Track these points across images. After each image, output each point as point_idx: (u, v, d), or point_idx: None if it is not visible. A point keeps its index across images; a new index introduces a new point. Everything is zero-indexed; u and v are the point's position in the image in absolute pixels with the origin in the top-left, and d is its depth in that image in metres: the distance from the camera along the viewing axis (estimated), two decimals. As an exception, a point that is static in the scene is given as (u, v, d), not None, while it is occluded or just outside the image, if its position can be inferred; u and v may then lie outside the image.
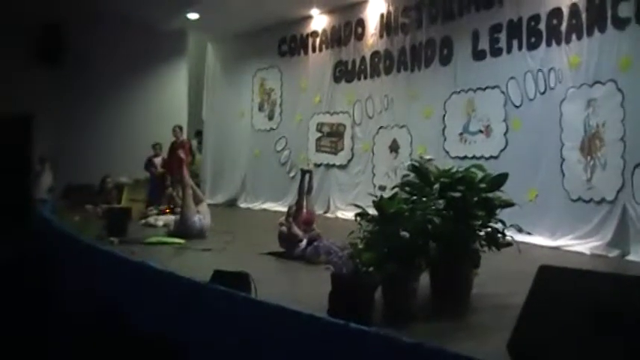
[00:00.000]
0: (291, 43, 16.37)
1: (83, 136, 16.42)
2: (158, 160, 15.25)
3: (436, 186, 6.02)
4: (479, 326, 5.55)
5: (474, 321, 5.76)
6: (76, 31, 16.01)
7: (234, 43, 17.70)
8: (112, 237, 10.14)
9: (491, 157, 11.65)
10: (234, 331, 4.95)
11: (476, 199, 6.19)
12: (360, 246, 5.53)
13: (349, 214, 13.92)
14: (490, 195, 6.25)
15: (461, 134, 12.35)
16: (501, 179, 6.29)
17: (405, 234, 5.33)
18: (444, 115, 12.67)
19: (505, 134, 11.58)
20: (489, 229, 6.28)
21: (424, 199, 5.98)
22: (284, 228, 8.97)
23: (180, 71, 18.17)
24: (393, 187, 6.53)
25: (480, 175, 6.36)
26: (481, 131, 12.03)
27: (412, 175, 6.53)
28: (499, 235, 6.27)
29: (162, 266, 7.96)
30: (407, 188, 6.33)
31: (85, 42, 16.07)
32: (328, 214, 14.64)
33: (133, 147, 16.07)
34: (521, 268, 7.56)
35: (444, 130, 12.66)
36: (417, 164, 6.50)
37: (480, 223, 6.18)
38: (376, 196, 6.01)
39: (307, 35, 15.97)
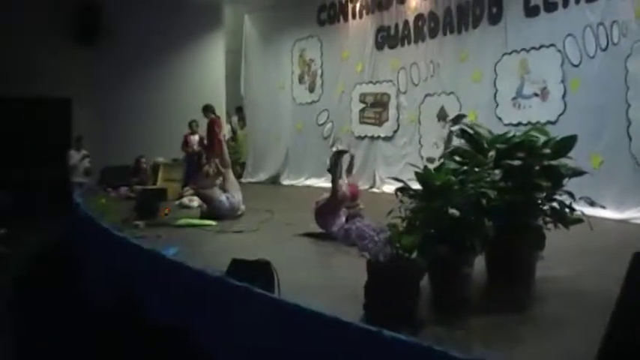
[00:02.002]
0: (331, 10, 15.34)
1: (119, 116, 15.82)
2: (195, 138, 14.48)
3: (491, 153, 4.97)
4: (548, 319, 4.53)
5: (542, 312, 4.74)
6: (110, 9, 15.44)
7: (272, 14, 16.73)
8: (140, 220, 9.37)
9: (549, 122, 10.46)
10: (248, 331, 4.11)
11: (538, 167, 5.14)
12: (401, 227, 4.54)
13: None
14: (555, 162, 5.19)
15: (514, 99, 11.25)
16: (569, 143, 5.22)
17: (455, 211, 4.33)
18: (495, 79, 11.58)
19: (563, 97, 10.44)
20: (555, 203, 5.23)
21: (476, 169, 4.94)
22: (321, 200, 8.04)
23: (216, 45, 17.31)
24: (440, 157, 5.47)
25: (543, 139, 5.30)
26: (536, 94, 10.91)
27: (461, 141, 5.49)
28: (567, 210, 5.21)
29: (186, 250, 7.24)
30: (456, 157, 5.30)
31: (118, 20, 15.56)
32: (374, 189, 13.78)
33: (171, 125, 15.40)
34: (588, 246, 6.59)
35: (495, 94, 11.57)
36: (467, 128, 5.46)
37: (543, 195, 5.13)
38: (420, 168, 5.01)
39: (347, 1, 14.90)
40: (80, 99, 15.43)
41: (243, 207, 10.23)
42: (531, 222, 5.12)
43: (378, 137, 14.15)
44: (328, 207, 7.97)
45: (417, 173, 4.72)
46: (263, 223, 9.20)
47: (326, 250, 7.26)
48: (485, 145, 5.36)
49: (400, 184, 5.09)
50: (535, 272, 5.35)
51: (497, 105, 11.51)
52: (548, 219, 5.27)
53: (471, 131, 5.42)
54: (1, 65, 14.14)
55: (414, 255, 4.43)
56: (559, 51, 10.44)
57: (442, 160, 5.30)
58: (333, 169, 8.31)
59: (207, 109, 14.22)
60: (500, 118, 11.33)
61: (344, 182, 8.47)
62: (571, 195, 5.30)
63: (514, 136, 5.34)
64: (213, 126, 13.86)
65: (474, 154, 5.12)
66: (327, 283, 5.61)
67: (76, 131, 15.08)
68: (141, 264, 5.88)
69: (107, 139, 15.30)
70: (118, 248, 6.69)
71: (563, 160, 5.27)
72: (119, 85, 15.83)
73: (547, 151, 5.12)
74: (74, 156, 14.37)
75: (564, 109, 10.41)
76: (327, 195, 8.15)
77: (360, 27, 14.57)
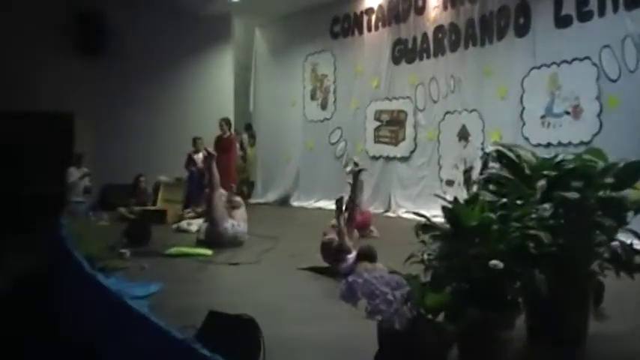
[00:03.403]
0: (344, 22, 14.26)
1: (122, 132, 14.82)
2: (199, 157, 13.38)
3: (541, 183, 3.80)
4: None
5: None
6: (115, 21, 14.50)
7: (283, 26, 15.75)
8: (127, 247, 8.28)
9: (582, 142, 9.37)
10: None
11: (595, 200, 3.97)
12: (423, 279, 3.38)
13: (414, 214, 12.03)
14: (616, 194, 4.01)
15: (543, 117, 10.11)
16: (636, 170, 4.03)
17: (498, 263, 3.17)
18: (522, 95, 10.43)
19: (599, 115, 9.28)
20: (616, 244, 4.06)
21: (519, 201, 3.77)
22: (328, 238, 6.94)
23: (225, 59, 16.25)
24: (469, 182, 4.28)
25: (601, 164, 4.12)
26: (568, 112, 9.76)
27: (497, 166, 4.33)
28: (632, 254, 4.04)
29: (169, 287, 6.14)
30: (491, 186, 4.13)
31: (124, 33, 14.60)
32: (389, 213, 12.67)
33: (175, 142, 14.34)
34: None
35: (522, 112, 10.43)
36: (505, 150, 4.29)
37: (603, 237, 3.96)
38: (444, 198, 3.86)
39: (362, 13, 13.84)
40: (83, 114, 14.46)
41: (247, 237, 9.13)
42: (588, 270, 3.95)
43: (394, 157, 13.03)
44: (335, 240, 6.88)
45: (444, 209, 3.56)
46: (264, 254, 8.07)
47: (330, 292, 6.08)
48: (527, 172, 4.20)
49: (421, 217, 3.96)
50: (588, 330, 4.18)
51: (524, 124, 10.39)
52: (606, 264, 4.09)
53: (510, 154, 4.25)
54: (1, 78, 13.27)
55: (441, 318, 3.27)
56: (594, 64, 9.31)
57: (474, 190, 4.13)
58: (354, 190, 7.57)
59: (228, 123, 13.38)
60: (527, 139, 10.20)
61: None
62: (636, 234, 4.13)
63: (564, 160, 4.17)
64: (227, 142, 12.96)
65: (516, 184, 3.95)
66: (326, 339, 4.46)
67: (77, 147, 14.08)
68: (102, 311, 4.76)
69: (109, 155, 14.36)
70: (82, 286, 5.59)
71: (625, 191, 4.09)
72: (123, 100, 14.83)
73: (609, 180, 3.95)
74: (74, 173, 13.30)
75: (600, 129, 9.27)
76: (335, 228, 7.07)
77: (375, 40, 13.49)
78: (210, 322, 3.89)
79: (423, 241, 3.73)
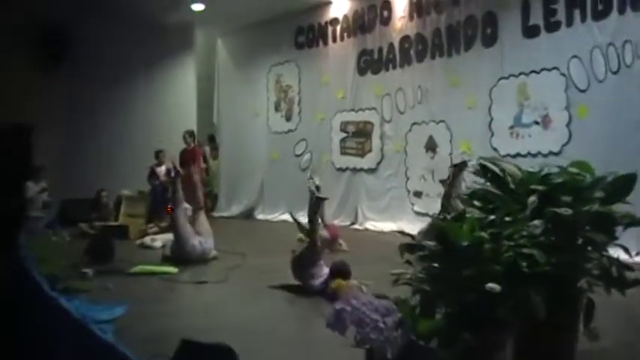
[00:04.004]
0: (309, 33, 14.08)
1: (83, 145, 14.33)
2: (162, 170, 13.03)
3: (532, 199, 3.62)
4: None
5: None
6: (75, 29, 14.03)
7: (246, 36, 15.48)
8: (90, 266, 7.92)
9: (551, 153, 9.36)
10: None
11: (584, 215, 3.80)
12: (412, 302, 3.17)
13: (381, 225, 11.93)
14: (606, 209, 3.85)
15: (512, 127, 10.08)
16: (626, 183, 3.89)
17: (495, 286, 2.98)
18: (490, 106, 10.39)
19: (568, 125, 9.30)
20: (605, 260, 3.90)
21: (507, 218, 3.59)
22: (296, 255, 6.71)
23: (187, 69, 15.91)
24: (453, 197, 4.08)
25: (588, 178, 3.97)
26: (537, 122, 9.76)
27: (481, 180, 4.15)
28: (622, 270, 3.89)
29: (135, 309, 5.84)
30: (476, 202, 3.94)
31: (83, 42, 14.10)
32: (356, 226, 12.48)
33: (138, 155, 13.96)
34: (625, 305, 5.28)
35: (490, 123, 10.38)
36: (489, 163, 4.12)
37: (595, 252, 3.80)
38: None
39: (326, 23, 13.66)
40: (41, 125, 13.84)
41: (214, 252, 8.87)
42: (578, 287, 3.78)
43: (361, 169, 12.85)
44: (306, 258, 6.65)
45: (434, 226, 3.37)
46: (232, 271, 7.78)
47: (304, 313, 5.86)
48: (512, 186, 4.03)
49: (398, 230, 3.78)
50: (576, 349, 4.01)
51: (492, 134, 10.34)
52: (595, 281, 3.93)
53: (494, 167, 4.08)
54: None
55: (433, 343, 3.06)
56: (563, 74, 9.32)
57: (457, 205, 3.94)
58: (312, 217, 7.02)
59: (192, 135, 13.14)
60: (496, 149, 10.16)
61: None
62: (625, 249, 3.99)
63: (551, 174, 4.00)
64: (191, 155, 12.67)
65: (504, 200, 3.77)
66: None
67: (35, 160, 13.56)
68: (65, 338, 4.45)
69: (69, 169, 13.79)
70: (44, 309, 5.25)
71: (615, 205, 3.95)
72: (84, 112, 14.35)
73: (599, 194, 3.79)
74: (32, 188, 12.78)
75: (569, 139, 9.28)
76: (303, 244, 6.84)
77: (340, 51, 13.33)
78: (183, 352, 3.63)
79: (408, 262, 3.52)
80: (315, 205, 7.10)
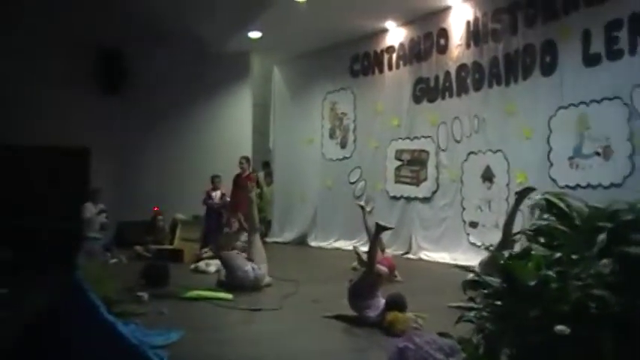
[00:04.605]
0: (364, 61, 14.11)
1: (139, 168, 14.81)
2: (217, 194, 13.18)
3: (601, 237, 3.47)
4: None
5: None
6: (134, 56, 14.46)
7: (302, 64, 15.63)
8: (145, 289, 8.00)
9: (613, 185, 9.06)
10: None
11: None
12: (475, 340, 3.06)
13: (435, 256, 11.78)
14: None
15: (571, 158, 9.76)
16: None
17: (564, 328, 2.86)
18: (549, 136, 10.11)
19: (631, 156, 8.93)
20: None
21: (574, 256, 3.45)
22: (353, 284, 6.63)
23: (243, 96, 16.10)
24: (516, 234, 3.95)
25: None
26: (598, 153, 9.40)
27: (546, 215, 4.00)
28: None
29: (190, 336, 5.81)
30: (541, 239, 3.80)
31: (142, 68, 14.58)
32: (410, 255, 12.33)
33: (193, 180, 14.11)
34: None
35: (549, 153, 10.10)
36: (554, 198, 3.97)
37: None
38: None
39: (382, 51, 13.67)
40: (100, 149, 14.32)
41: (268, 279, 8.85)
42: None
43: (415, 198, 12.74)
44: (364, 287, 6.57)
45: (499, 264, 3.24)
46: (286, 299, 7.76)
47: (360, 345, 5.76)
48: (578, 222, 3.87)
49: (457, 263, 3.65)
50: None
51: (551, 165, 10.06)
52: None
53: (560, 203, 3.93)
54: (19, 112, 13.32)
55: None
56: (625, 104, 9.00)
57: (518, 240, 3.81)
58: (373, 247, 6.92)
59: (248, 160, 13.13)
60: (554, 180, 9.89)
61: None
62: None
63: (620, 210, 3.83)
64: (246, 180, 12.59)
65: (571, 237, 3.62)
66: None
67: (93, 183, 13.85)
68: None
69: (126, 192, 14.27)
70: (100, 332, 5.26)
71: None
72: (141, 136, 14.83)
73: (673, 232, 3.61)
74: (90, 209, 12.96)
75: (632, 171, 8.92)
76: (359, 273, 6.77)
77: (396, 79, 13.31)
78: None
79: (471, 298, 3.40)
80: (377, 234, 7.01)
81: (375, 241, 6.98)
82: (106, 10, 13.91)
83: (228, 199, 12.90)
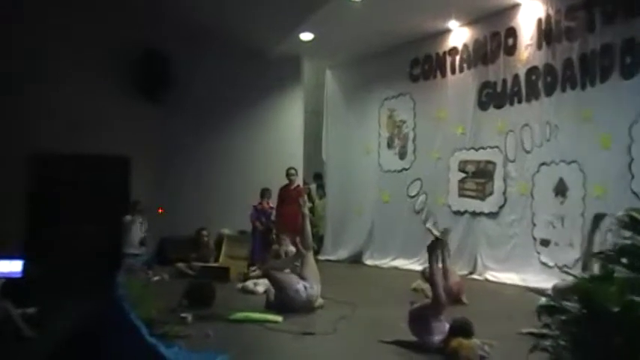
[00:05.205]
0: (425, 64, 14.07)
1: (183, 180, 14.92)
2: (266, 209, 13.30)
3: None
4: None
5: None
6: (178, 59, 14.62)
7: (357, 68, 15.70)
8: (189, 310, 8.07)
9: None
10: None
11: None
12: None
13: (502, 276, 11.65)
14: None
15: (656, 169, 9.52)
16: None
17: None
18: (630, 145, 9.84)
19: None
20: None
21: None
22: (416, 308, 6.57)
23: (294, 103, 16.18)
24: (596, 254, 3.85)
25: None
26: (689, 165, 9.17)
27: (629, 234, 3.89)
28: None
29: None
30: (625, 260, 3.69)
31: (187, 72, 14.76)
32: (475, 276, 12.19)
33: (241, 193, 14.39)
34: None
35: (630, 164, 9.83)
36: (637, 215, 3.87)
37: None
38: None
39: (445, 53, 13.61)
40: (140, 159, 14.52)
41: (321, 300, 8.82)
42: None
43: (481, 213, 12.58)
44: (427, 311, 6.56)
45: (575, 288, 3.16)
46: (341, 322, 7.75)
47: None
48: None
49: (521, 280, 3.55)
50: None
51: (632, 177, 9.79)
52: None
53: (644, 220, 3.82)
54: (55, 119, 13.55)
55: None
56: None
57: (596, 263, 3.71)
58: (433, 265, 6.90)
59: (296, 173, 13.34)
60: (636, 194, 9.62)
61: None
62: None
63: None
64: (294, 193, 12.77)
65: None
66: None
67: (133, 195, 14.08)
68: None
69: (168, 205, 14.30)
70: (142, 356, 5.32)
71: None
72: (184, 145, 14.98)
73: None
74: (130, 223, 13.16)
75: None
76: (420, 294, 6.71)
77: (460, 83, 13.21)
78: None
79: (546, 325, 3.32)
80: (433, 249, 6.98)
81: (433, 257, 6.92)
82: (150, 12, 14.17)
83: (273, 210, 13.14)
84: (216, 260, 12.42)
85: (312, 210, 15.66)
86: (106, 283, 10.24)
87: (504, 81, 12.17)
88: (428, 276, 7.57)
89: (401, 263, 13.79)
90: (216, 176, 15.10)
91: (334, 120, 16.39)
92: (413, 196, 14.14)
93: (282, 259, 10.84)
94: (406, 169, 14.47)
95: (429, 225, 10.51)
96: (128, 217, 12.95)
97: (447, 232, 9.23)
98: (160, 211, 11.79)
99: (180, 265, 12.39)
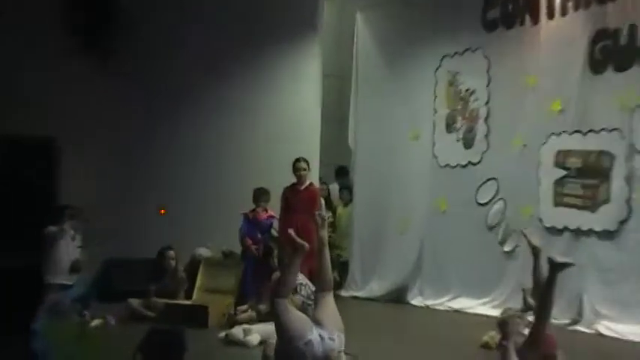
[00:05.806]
0: (508, 5, 13.64)
1: (140, 174, 14.92)
2: (261, 219, 13.21)
3: None
4: None
5: None
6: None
7: (402, 11, 15.39)
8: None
9: None
10: None
11: None
12: None
13: (623, 329, 11.17)
14: None
15: None
16: None
17: None
18: None
19: None
20: None
21: None
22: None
23: (308, 62, 15.92)
24: None
25: None
26: None
27: None
28: None
29: None
30: None
31: (148, 8, 14.82)
32: (580, 327, 11.69)
33: (225, 197, 14.50)
34: None
35: None
36: None
37: None
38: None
39: (539, -12, 13.38)
40: (72, 140, 14.49)
41: (345, 357, 8.26)
42: None
43: (590, 231, 12.09)
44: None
45: None
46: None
47: None
48: None
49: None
50: None
51: None
52: None
53: None
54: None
55: None
56: None
57: None
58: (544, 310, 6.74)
59: (309, 167, 13.22)
60: None
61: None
62: None
63: None
64: (307, 197, 12.75)
65: None
66: None
67: (62, 194, 14.05)
68: None
69: (117, 213, 14.28)
70: None
71: None
72: (142, 122, 14.99)
73: None
74: (55, 237, 12.75)
75: None
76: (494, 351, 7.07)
77: (561, 33, 12.74)
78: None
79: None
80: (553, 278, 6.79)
81: (547, 299, 6.70)
82: None
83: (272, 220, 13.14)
84: (189, 296, 12.33)
85: (332, 224, 15.37)
86: (13, 334, 9.97)
87: (632, 28, 11.72)
88: (511, 328, 7.22)
89: (465, 305, 13.52)
90: (190, 170, 15.01)
91: (367, 89, 16.08)
92: (484, 204, 13.76)
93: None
94: (474, 164, 14.09)
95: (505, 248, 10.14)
96: (52, 229, 12.55)
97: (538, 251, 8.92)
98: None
99: (134, 301, 12.13)
